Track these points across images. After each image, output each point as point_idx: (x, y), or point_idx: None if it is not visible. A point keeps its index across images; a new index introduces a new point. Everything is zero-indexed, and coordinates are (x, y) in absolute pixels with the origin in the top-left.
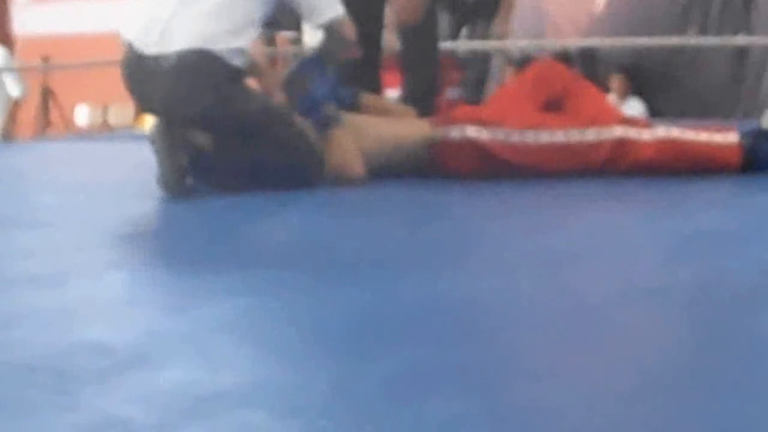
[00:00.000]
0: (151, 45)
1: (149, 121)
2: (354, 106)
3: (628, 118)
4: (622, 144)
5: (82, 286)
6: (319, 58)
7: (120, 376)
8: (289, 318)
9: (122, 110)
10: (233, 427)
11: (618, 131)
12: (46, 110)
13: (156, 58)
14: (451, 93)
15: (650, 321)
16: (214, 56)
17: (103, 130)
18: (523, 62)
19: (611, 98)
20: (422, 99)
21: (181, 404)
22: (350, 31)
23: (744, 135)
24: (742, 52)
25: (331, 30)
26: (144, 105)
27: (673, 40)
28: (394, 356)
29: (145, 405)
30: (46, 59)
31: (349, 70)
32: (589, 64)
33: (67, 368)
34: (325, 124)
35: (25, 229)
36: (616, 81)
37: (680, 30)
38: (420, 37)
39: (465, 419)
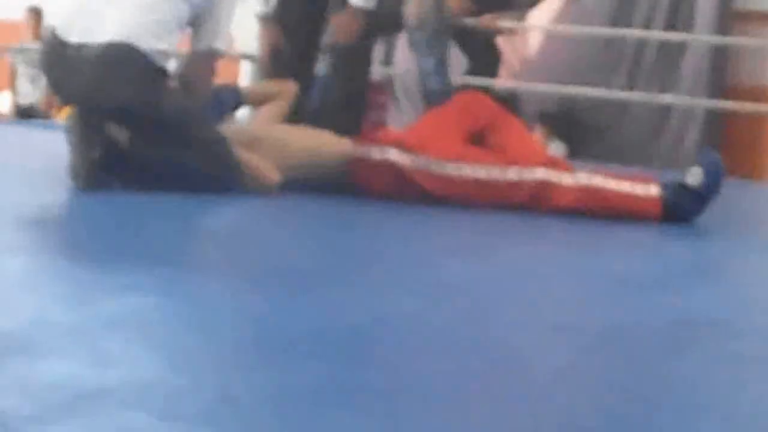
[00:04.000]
0: (75, 33)
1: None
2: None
3: (552, 159)
4: (543, 187)
5: None
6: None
7: (2, 361)
8: (184, 321)
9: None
10: (112, 427)
11: (540, 173)
12: None
13: (79, 47)
14: (376, 115)
15: (554, 358)
16: (138, 52)
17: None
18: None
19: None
20: (345, 112)
21: (60, 399)
22: (208, 71)
23: (665, 188)
24: (667, 107)
25: (197, 58)
26: (61, 93)
27: (601, 92)
28: (286, 370)
29: (20, 396)
30: None
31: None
32: (514, 106)
33: None
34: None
35: None
36: (540, 126)
37: (609, 78)
38: (351, 56)
39: None
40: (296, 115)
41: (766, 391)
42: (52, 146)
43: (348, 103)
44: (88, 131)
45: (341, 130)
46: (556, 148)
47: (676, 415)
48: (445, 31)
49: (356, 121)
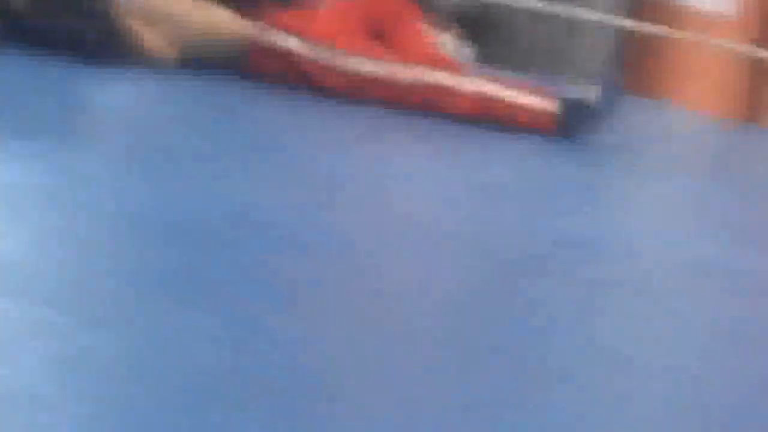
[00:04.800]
0: None
1: None
2: None
3: (450, 64)
4: (439, 90)
5: None
6: None
7: None
8: (53, 197)
9: None
10: None
11: (438, 77)
12: None
13: None
14: None
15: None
16: None
17: None
18: None
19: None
20: None
21: None
22: None
23: (562, 102)
24: (581, 21)
25: None
26: None
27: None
28: (145, 255)
29: None
30: None
31: None
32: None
33: None
34: None
35: None
36: (452, 26)
37: None
38: None
39: (198, 331)
40: None
41: (610, 317)
42: None
43: None
44: None
45: (245, 7)
46: (465, 50)
47: (515, 333)
48: None
49: None
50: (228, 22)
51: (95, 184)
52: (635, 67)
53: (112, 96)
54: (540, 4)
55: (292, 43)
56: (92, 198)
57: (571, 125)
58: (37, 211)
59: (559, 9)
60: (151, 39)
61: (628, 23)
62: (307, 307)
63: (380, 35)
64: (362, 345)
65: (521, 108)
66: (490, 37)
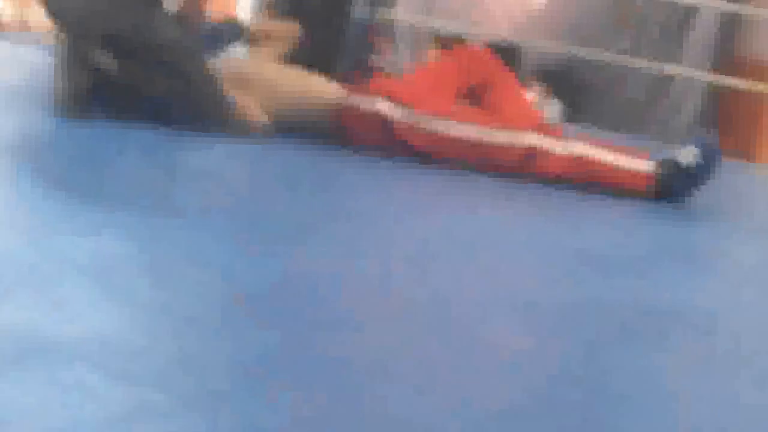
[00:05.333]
0: None
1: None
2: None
3: (545, 125)
4: (532, 153)
5: None
6: None
7: None
8: (147, 269)
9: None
10: (62, 384)
11: (531, 139)
12: None
13: None
14: (374, 60)
15: (501, 334)
16: None
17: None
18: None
19: (531, 97)
20: (327, 54)
21: (9, 349)
22: (203, 2)
23: (658, 165)
24: (668, 77)
25: None
26: (54, 16)
27: (605, 55)
28: (242, 332)
29: None
30: None
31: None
32: (512, 60)
33: None
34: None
35: None
36: (538, 84)
37: (613, 40)
38: None
39: (312, 417)
40: (297, 57)
41: (703, 394)
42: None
43: (339, 43)
44: (76, 57)
45: (334, 72)
46: (553, 108)
47: (612, 404)
48: None
49: (351, 64)
50: (319, 88)
51: (185, 253)
52: (726, 125)
53: (205, 163)
54: (626, 61)
55: (383, 107)
56: (183, 269)
57: (668, 187)
58: (130, 284)
59: (646, 65)
60: (244, 104)
61: (718, 79)
62: (415, 377)
63: (473, 97)
64: (469, 419)
65: (616, 170)
66: (577, 95)
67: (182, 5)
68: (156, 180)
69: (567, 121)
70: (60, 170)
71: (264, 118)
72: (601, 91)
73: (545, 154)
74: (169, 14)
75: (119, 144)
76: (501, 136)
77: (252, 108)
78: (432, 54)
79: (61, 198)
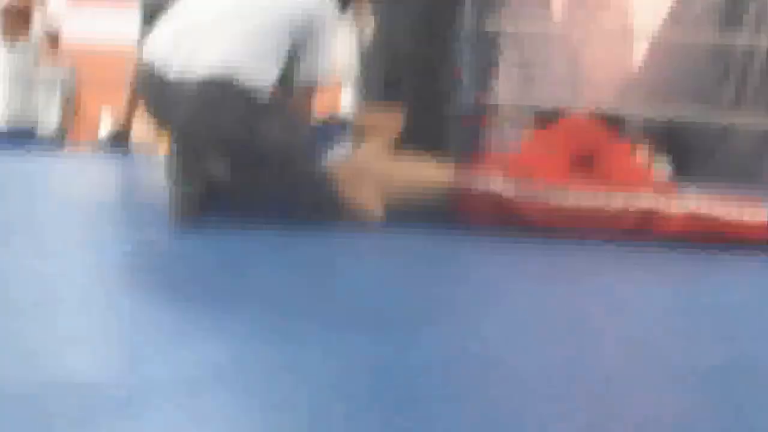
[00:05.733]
0: (174, 68)
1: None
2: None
3: (659, 185)
4: (649, 214)
5: (72, 315)
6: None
7: (96, 419)
8: (285, 371)
9: (143, 123)
10: None
11: (647, 200)
12: (68, 118)
13: (179, 82)
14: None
15: (656, 400)
16: (238, 84)
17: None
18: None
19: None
20: (434, 138)
21: None
22: (309, 103)
23: None
24: None
25: (299, 90)
26: (162, 128)
27: (710, 114)
28: (398, 417)
29: None
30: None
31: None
32: (616, 125)
33: (42, 406)
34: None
35: (22, 250)
36: (644, 144)
37: (716, 91)
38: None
39: None
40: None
41: None
42: (146, 177)
43: (445, 126)
44: (188, 166)
45: (443, 156)
46: (661, 167)
47: None
48: None
49: (458, 145)
50: (430, 172)
51: (321, 351)
52: None
53: (324, 257)
54: (730, 115)
55: (496, 185)
56: (321, 368)
57: None
58: (270, 388)
59: (750, 120)
60: (358, 197)
61: None
62: None
63: (584, 165)
64: None
65: (736, 222)
66: (683, 152)
67: (291, 107)
68: (280, 279)
69: (676, 179)
70: (183, 279)
71: (379, 208)
72: (708, 147)
73: (662, 213)
74: (278, 116)
75: (238, 247)
76: (617, 201)
77: (366, 199)
78: (531, 132)
79: (187, 307)
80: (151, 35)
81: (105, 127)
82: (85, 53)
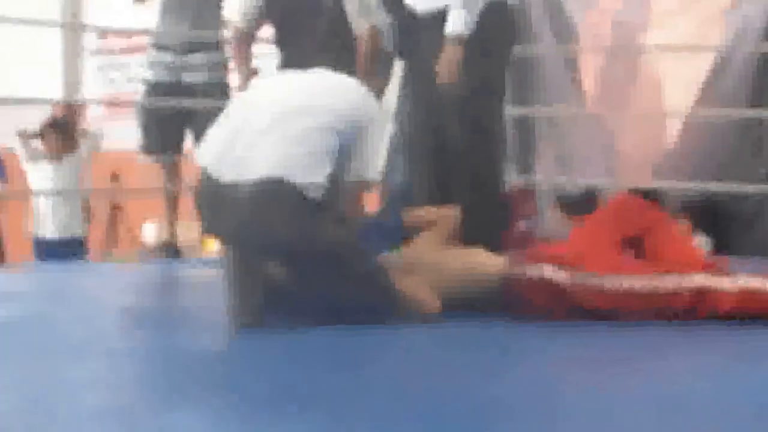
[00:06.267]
0: (227, 172)
1: (213, 243)
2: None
3: (709, 263)
4: (702, 293)
5: (146, 423)
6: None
7: None
8: None
9: (189, 228)
10: None
11: (699, 279)
12: (114, 226)
13: (232, 186)
14: (524, 225)
15: None
16: (291, 186)
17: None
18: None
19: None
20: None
21: None
22: (360, 202)
23: None
24: None
25: (349, 189)
26: (217, 233)
27: (748, 188)
28: None
29: None
30: (115, 177)
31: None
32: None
33: None
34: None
35: (86, 359)
36: (683, 219)
37: (751, 162)
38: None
39: None
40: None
41: None
42: (203, 284)
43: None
44: (245, 270)
45: (492, 245)
46: (701, 242)
47: None
48: None
49: (498, 231)
50: (483, 262)
51: None
52: None
53: (386, 355)
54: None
55: (549, 272)
56: None
57: None
58: None
59: None
60: (413, 293)
61: None
62: None
63: (634, 246)
64: None
65: None
66: (723, 226)
67: (343, 206)
68: (344, 381)
69: (716, 252)
70: (249, 385)
71: (435, 302)
72: (747, 218)
73: (715, 292)
74: (331, 216)
75: (299, 350)
76: (670, 282)
77: (422, 294)
78: (557, 216)
79: (257, 417)
80: (204, 138)
81: (151, 236)
82: (126, 160)
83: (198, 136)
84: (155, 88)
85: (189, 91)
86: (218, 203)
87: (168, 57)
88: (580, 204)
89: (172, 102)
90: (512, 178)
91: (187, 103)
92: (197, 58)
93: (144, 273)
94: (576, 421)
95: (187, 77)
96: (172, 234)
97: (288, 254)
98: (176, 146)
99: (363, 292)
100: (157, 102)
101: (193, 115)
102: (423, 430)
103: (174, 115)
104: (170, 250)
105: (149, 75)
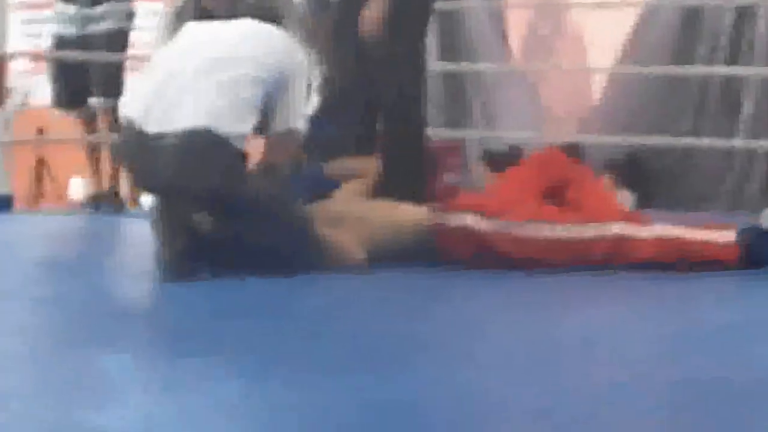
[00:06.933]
0: (153, 122)
1: (144, 199)
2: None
3: (629, 213)
4: (620, 241)
5: (73, 366)
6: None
7: None
8: (289, 406)
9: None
10: None
11: (617, 228)
12: (40, 181)
13: (158, 136)
14: (448, 178)
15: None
16: (217, 136)
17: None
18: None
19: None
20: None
21: None
22: (294, 146)
23: (742, 233)
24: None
25: (275, 140)
26: (143, 184)
27: (667, 140)
28: None
29: None
30: (41, 132)
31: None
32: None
33: None
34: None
35: (15, 305)
36: (606, 175)
37: (675, 119)
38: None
39: None
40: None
41: None
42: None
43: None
44: (172, 220)
45: (416, 197)
46: (625, 197)
47: None
48: None
49: (425, 183)
50: (407, 213)
51: (314, 388)
52: None
53: (310, 302)
54: (690, 142)
55: (471, 220)
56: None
57: (755, 254)
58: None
59: (710, 143)
60: (339, 242)
61: None
62: None
63: (554, 197)
64: None
65: (704, 244)
66: (645, 181)
67: (261, 157)
68: (269, 326)
69: (639, 207)
70: (178, 329)
71: (360, 251)
72: (669, 174)
73: (633, 240)
74: (252, 168)
75: (225, 297)
76: (589, 230)
77: (347, 243)
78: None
79: (185, 355)
80: (128, 92)
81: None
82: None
83: (103, 89)
84: (61, 41)
85: (94, 42)
86: (145, 155)
87: (72, 9)
88: (506, 159)
89: (75, 54)
90: (439, 132)
91: (91, 56)
92: (100, 9)
93: (72, 224)
94: (491, 356)
95: (91, 28)
96: (100, 186)
97: (215, 204)
98: (86, 99)
99: (289, 241)
100: (62, 55)
101: (97, 66)
102: (340, 368)
103: (80, 68)
104: (102, 203)
105: (55, 28)
